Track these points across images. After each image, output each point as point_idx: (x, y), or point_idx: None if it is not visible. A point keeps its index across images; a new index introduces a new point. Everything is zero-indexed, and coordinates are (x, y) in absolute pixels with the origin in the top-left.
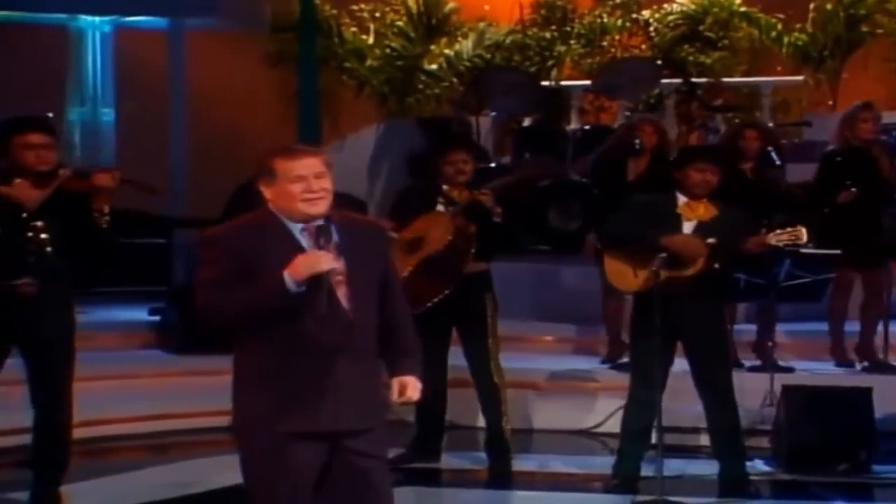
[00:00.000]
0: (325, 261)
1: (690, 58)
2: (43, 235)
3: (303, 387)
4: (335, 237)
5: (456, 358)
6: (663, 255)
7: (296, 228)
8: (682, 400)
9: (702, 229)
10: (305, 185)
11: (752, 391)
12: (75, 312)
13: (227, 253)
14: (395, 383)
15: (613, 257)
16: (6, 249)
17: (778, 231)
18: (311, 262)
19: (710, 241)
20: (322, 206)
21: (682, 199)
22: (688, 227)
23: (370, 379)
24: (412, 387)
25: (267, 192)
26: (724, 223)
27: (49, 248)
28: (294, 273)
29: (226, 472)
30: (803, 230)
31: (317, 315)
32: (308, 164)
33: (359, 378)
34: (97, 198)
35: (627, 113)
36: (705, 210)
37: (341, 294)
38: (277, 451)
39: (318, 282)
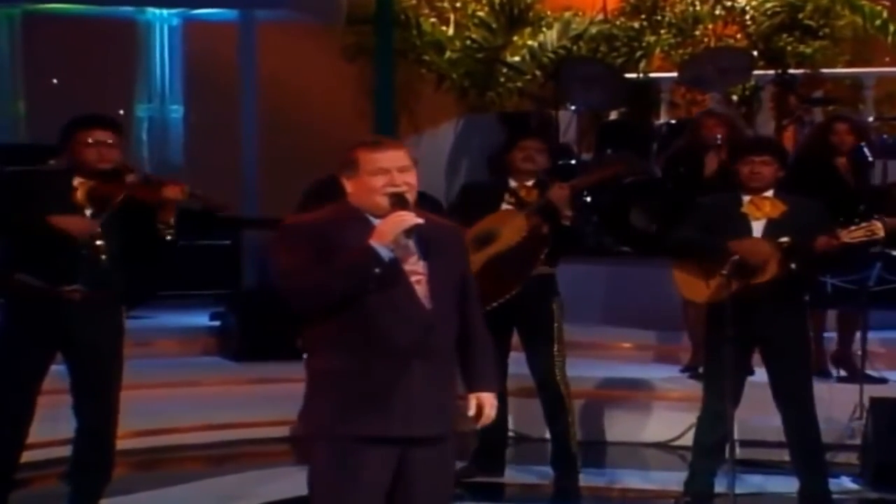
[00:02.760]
0: (409, 217)
1: (789, 48)
2: (99, 242)
3: (376, 389)
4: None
5: (520, 365)
6: (735, 258)
7: (376, 223)
8: (765, 412)
9: (772, 228)
10: (388, 178)
11: (841, 403)
12: (124, 320)
13: (306, 242)
14: (473, 399)
15: (682, 267)
16: (59, 255)
17: (852, 228)
18: (396, 221)
19: (783, 240)
20: None
21: (746, 198)
22: (757, 227)
23: (445, 384)
24: (490, 405)
25: (348, 185)
26: (796, 219)
27: (104, 257)
28: (380, 238)
29: (284, 483)
30: (879, 224)
31: (401, 295)
32: (392, 157)
33: (434, 382)
34: (164, 209)
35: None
36: (772, 207)
37: (421, 294)
38: (347, 456)
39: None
